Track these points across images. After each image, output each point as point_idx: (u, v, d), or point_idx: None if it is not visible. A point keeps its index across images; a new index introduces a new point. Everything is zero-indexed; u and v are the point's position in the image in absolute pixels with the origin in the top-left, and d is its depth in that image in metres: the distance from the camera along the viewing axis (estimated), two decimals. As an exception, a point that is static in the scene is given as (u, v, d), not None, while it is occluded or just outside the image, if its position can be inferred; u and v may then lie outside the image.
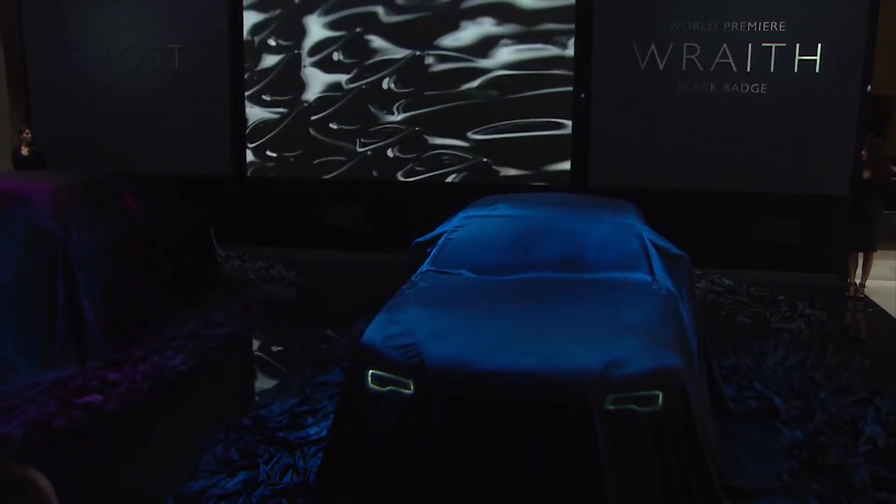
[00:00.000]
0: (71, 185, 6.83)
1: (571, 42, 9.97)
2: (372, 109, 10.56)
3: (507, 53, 10.16)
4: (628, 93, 9.89)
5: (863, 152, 8.71)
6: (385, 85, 10.51)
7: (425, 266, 5.26)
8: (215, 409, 5.66)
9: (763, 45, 9.47)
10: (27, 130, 10.37)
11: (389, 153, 10.60)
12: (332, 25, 10.61)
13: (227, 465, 4.46)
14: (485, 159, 10.35)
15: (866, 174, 8.58)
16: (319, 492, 4.05)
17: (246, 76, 10.85)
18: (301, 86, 10.74)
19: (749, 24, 9.49)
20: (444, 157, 10.47)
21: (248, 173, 11.05)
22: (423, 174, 10.52)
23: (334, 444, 4.07)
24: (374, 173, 10.66)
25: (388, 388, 3.84)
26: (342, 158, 10.72)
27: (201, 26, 10.89)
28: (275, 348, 7.10)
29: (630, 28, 9.80)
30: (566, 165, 10.15)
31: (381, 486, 3.84)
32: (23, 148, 10.27)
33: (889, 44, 10.55)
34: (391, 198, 10.67)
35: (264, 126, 10.91)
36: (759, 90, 9.55)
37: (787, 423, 5.07)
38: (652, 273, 4.99)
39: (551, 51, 10.04)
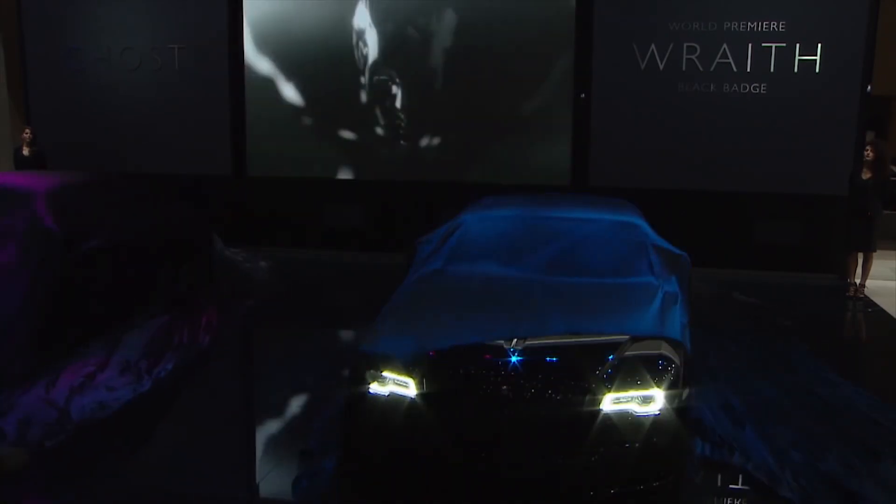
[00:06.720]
0: (71, 185, 6.83)
1: (572, 42, 9.97)
2: (372, 109, 10.57)
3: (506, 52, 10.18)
4: (628, 93, 9.88)
5: (868, 150, 8.61)
6: (388, 85, 10.50)
7: (426, 266, 5.26)
8: (215, 410, 5.66)
9: (763, 45, 9.47)
10: (28, 130, 10.36)
11: (390, 153, 10.60)
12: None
13: None
14: (484, 158, 10.36)
15: (866, 174, 8.57)
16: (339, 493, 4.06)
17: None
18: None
19: (749, 24, 9.48)
20: (445, 158, 10.47)
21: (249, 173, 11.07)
22: (425, 174, 10.51)
23: (344, 446, 4.07)
24: (376, 173, 10.66)
25: (388, 388, 3.85)
26: (343, 158, 10.72)
27: (201, 26, 10.88)
28: (274, 348, 7.10)
29: (630, 28, 9.79)
30: (566, 166, 10.14)
31: (387, 485, 3.84)
32: (24, 148, 10.26)
33: (889, 44, 10.55)
34: (391, 198, 10.66)
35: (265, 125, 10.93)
36: (759, 90, 9.55)
37: None
38: (653, 273, 4.99)
39: (551, 49, 10.05)
